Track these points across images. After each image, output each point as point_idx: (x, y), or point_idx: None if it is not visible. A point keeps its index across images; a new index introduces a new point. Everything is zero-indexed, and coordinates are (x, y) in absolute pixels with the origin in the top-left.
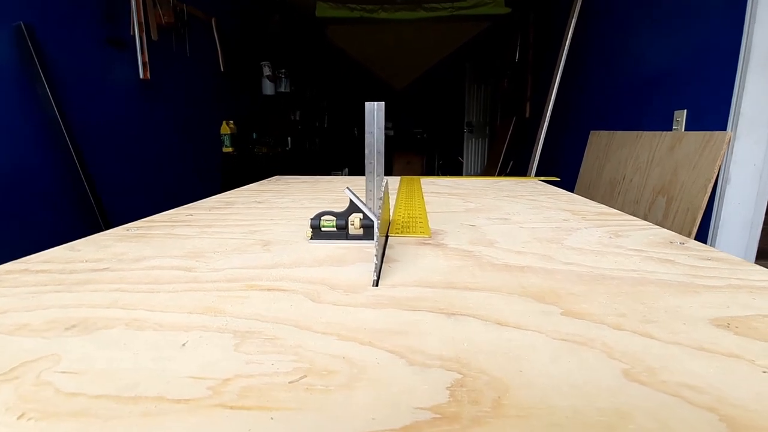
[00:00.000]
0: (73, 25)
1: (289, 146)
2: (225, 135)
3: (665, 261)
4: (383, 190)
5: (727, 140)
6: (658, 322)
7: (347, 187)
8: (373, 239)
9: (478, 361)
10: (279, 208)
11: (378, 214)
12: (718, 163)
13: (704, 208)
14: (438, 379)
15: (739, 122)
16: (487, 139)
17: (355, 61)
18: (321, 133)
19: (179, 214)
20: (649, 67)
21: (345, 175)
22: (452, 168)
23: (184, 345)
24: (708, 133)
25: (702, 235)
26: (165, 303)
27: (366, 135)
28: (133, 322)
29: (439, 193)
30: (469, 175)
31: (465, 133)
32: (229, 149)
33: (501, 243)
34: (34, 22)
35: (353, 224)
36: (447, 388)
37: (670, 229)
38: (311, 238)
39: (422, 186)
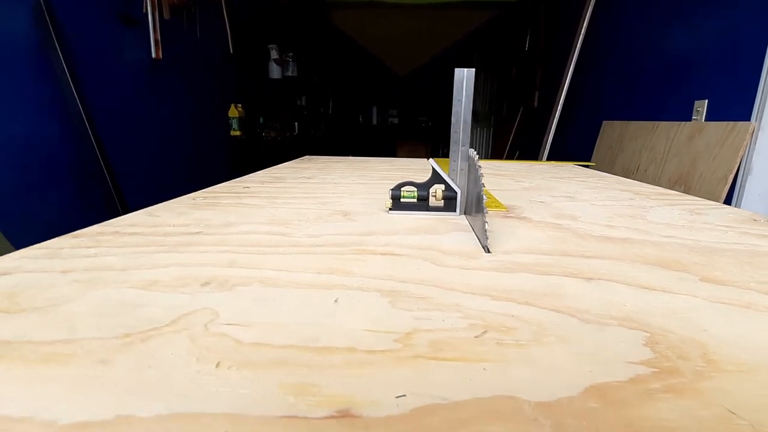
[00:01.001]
0: (90, 1)
1: (296, 132)
2: (233, 118)
3: (763, 236)
4: (477, 161)
5: (751, 131)
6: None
7: (430, 158)
8: (454, 211)
9: (655, 321)
10: (332, 183)
11: (459, 186)
12: (740, 154)
13: (724, 199)
14: (627, 337)
15: (765, 113)
16: (491, 129)
17: (360, 47)
18: (326, 119)
19: (235, 187)
20: (669, 56)
21: None
22: None
23: (336, 301)
24: (731, 123)
25: None
26: (285, 263)
27: (453, 102)
28: (267, 280)
29: (485, 175)
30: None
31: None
32: (237, 132)
33: (584, 218)
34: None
35: (434, 195)
36: (644, 345)
37: None
38: (390, 209)
39: None
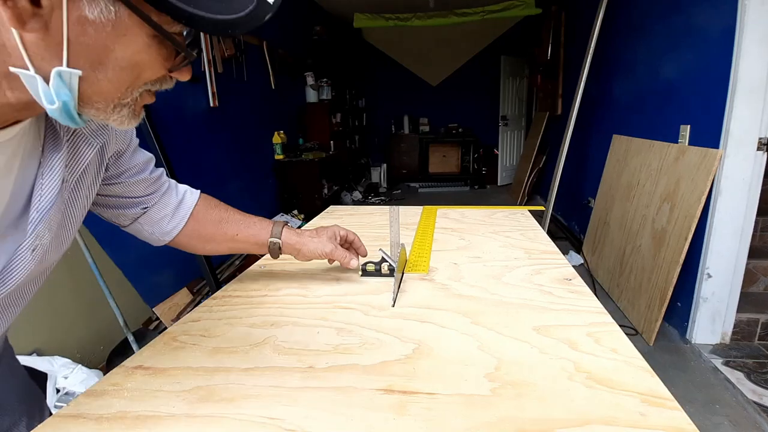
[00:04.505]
0: None
1: (332, 150)
2: (276, 144)
3: (547, 293)
4: (399, 252)
5: (718, 157)
6: (510, 327)
7: (380, 249)
8: (392, 276)
9: (426, 340)
10: None
11: (396, 263)
12: (711, 178)
13: (698, 217)
14: (402, 348)
15: (729, 141)
16: (523, 131)
17: (392, 60)
18: (360, 131)
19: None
20: (663, 79)
21: (383, 172)
22: (488, 160)
23: (318, 333)
24: (704, 149)
25: (698, 240)
26: (304, 314)
27: (390, 232)
28: (298, 321)
29: (445, 229)
30: (508, 165)
31: (500, 127)
32: (281, 156)
33: (465, 279)
34: None
35: (383, 268)
36: (413, 349)
37: (671, 235)
38: (361, 275)
39: (437, 219)
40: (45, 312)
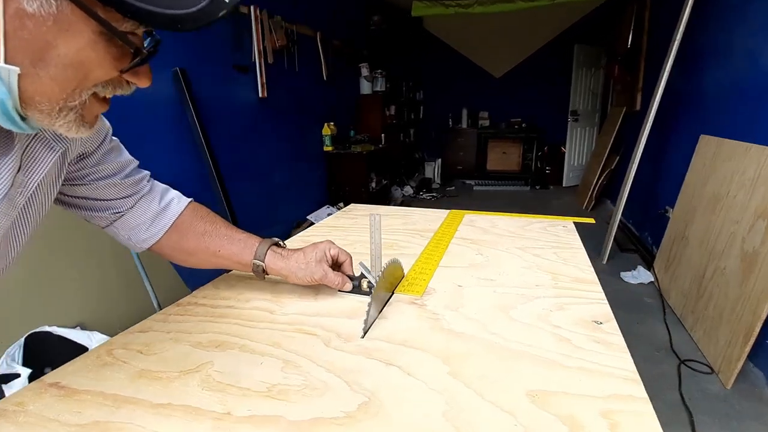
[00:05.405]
0: (213, 62)
1: (383, 143)
2: (326, 136)
3: (563, 339)
4: (382, 268)
5: None
6: (498, 385)
7: (360, 262)
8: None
9: (381, 392)
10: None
11: (376, 281)
12: None
13: None
14: (351, 400)
15: None
16: (595, 128)
17: (453, 51)
18: (416, 124)
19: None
20: (765, 69)
21: (437, 167)
22: (553, 158)
23: (261, 364)
24: None
25: None
26: (267, 337)
27: (371, 241)
28: (247, 346)
29: (465, 240)
30: (574, 165)
31: (569, 122)
32: (330, 148)
33: (465, 308)
34: (186, 66)
35: (363, 285)
36: (360, 404)
37: (765, 259)
38: (339, 290)
39: (461, 227)
40: (91, 287)
